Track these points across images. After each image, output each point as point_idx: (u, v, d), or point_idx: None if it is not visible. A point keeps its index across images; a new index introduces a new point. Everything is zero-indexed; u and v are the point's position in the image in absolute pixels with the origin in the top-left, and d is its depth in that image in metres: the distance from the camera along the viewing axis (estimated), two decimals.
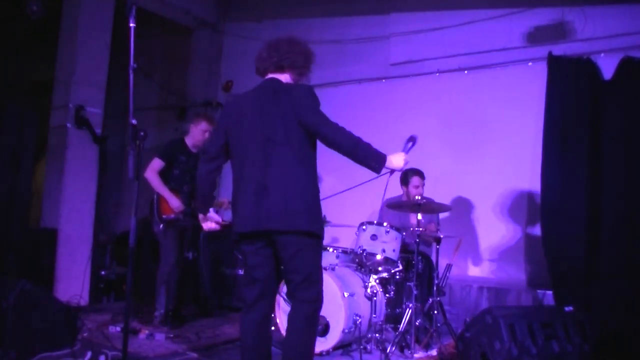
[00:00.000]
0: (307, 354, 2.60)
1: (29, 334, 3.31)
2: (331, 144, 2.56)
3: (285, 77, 2.77)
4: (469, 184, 5.33)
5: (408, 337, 3.88)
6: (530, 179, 4.97)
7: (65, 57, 5.40)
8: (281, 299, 3.86)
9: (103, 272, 5.58)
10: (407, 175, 4.62)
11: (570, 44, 4.91)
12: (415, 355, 3.81)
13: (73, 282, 5.00)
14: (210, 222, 2.95)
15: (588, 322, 3.53)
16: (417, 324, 3.93)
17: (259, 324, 2.68)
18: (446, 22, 5.55)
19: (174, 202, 4.43)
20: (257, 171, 2.61)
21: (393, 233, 3.99)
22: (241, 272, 5.31)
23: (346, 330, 3.67)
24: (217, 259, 5.49)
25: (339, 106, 5.97)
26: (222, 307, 5.31)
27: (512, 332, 3.19)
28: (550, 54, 4.81)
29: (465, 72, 5.45)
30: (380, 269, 4.09)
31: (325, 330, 3.70)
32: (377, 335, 3.83)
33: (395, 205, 4.34)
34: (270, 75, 2.79)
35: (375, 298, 3.85)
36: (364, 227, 4.05)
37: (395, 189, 4.91)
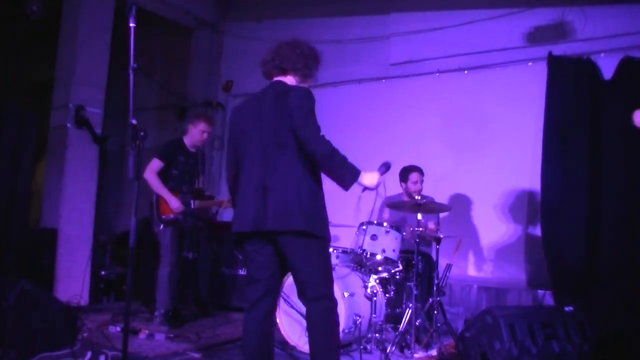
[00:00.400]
0: (331, 351, 2.59)
1: (29, 334, 3.31)
2: (306, 149, 2.53)
3: (289, 80, 2.78)
4: (469, 183, 5.33)
5: (408, 337, 3.88)
6: (530, 179, 4.97)
7: (65, 57, 5.40)
8: (281, 299, 3.86)
9: (103, 272, 5.58)
10: (406, 171, 4.63)
11: (570, 44, 4.91)
12: (415, 355, 3.81)
13: (73, 282, 5.00)
14: None
15: (588, 322, 3.52)
16: (417, 324, 3.93)
17: (260, 322, 2.67)
18: (446, 22, 5.55)
19: (174, 203, 4.43)
20: (257, 173, 2.62)
21: (393, 233, 3.99)
22: (241, 272, 5.32)
23: (346, 330, 3.67)
24: (217, 259, 5.49)
25: (339, 106, 5.98)
26: (222, 307, 5.31)
27: (512, 332, 3.18)
28: (550, 54, 4.81)
29: (465, 72, 5.45)
30: (380, 269, 4.09)
31: None
32: (377, 335, 3.83)
33: (396, 205, 4.34)
34: (275, 78, 2.80)
35: (375, 298, 3.85)
36: (364, 227, 4.05)
37: (395, 189, 4.91)
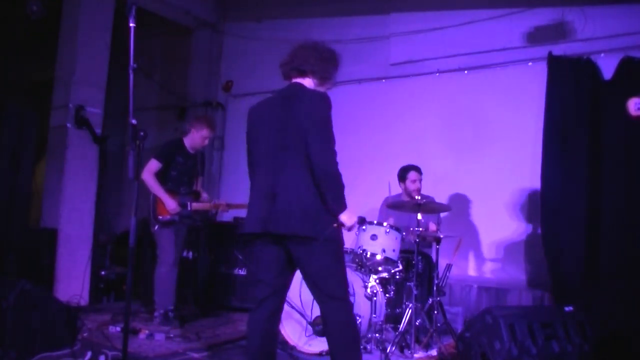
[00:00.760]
0: (350, 352, 2.59)
1: (29, 334, 3.31)
2: (312, 159, 2.52)
3: (308, 82, 2.77)
4: (469, 183, 5.33)
5: (408, 337, 3.88)
6: (530, 178, 4.97)
7: (65, 57, 5.40)
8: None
9: (103, 272, 5.58)
10: (404, 171, 4.64)
11: (570, 44, 4.91)
12: (415, 355, 3.81)
13: (73, 282, 4.99)
14: None
15: (588, 322, 3.53)
16: (417, 324, 3.92)
17: (265, 322, 2.67)
18: (446, 22, 5.55)
19: (170, 204, 4.42)
20: (268, 176, 2.62)
21: (393, 233, 3.99)
22: (241, 272, 5.32)
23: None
24: (216, 259, 5.49)
25: (339, 106, 5.94)
26: (222, 307, 5.31)
27: (512, 332, 3.19)
28: (550, 54, 4.81)
29: (465, 72, 5.45)
30: (380, 269, 4.09)
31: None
32: (377, 335, 3.83)
33: (396, 205, 4.34)
34: (294, 80, 2.79)
35: (375, 298, 3.85)
36: (364, 227, 4.05)
37: (394, 189, 4.92)
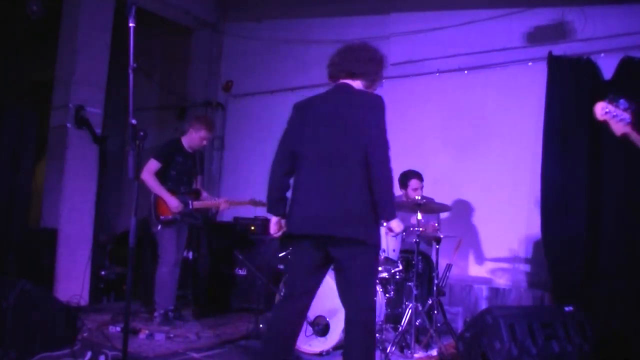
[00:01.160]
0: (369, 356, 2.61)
1: (29, 334, 3.31)
2: (372, 166, 2.56)
3: (357, 84, 2.77)
4: (469, 183, 5.33)
5: (408, 337, 3.88)
6: (530, 178, 4.97)
7: (65, 57, 5.40)
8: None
9: (103, 272, 5.58)
10: (405, 177, 4.62)
11: (570, 44, 4.91)
12: (415, 355, 3.81)
13: (73, 282, 4.99)
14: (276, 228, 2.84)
15: (588, 322, 3.53)
16: (417, 324, 3.92)
17: (294, 315, 2.70)
18: (446, 22, 5.55)
19: (173, 203, 4.42)
20: (321, 176, 2.61)
21: None
22: (241, 272, 5.32)
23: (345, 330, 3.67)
24: (217, 259, 5.49)
25: None
26: (222, 307, 5.31)
27: (512, 332, 3.19)
28: (550, 54, 4.81)
29: (465, 72, 5.45)
30: (380, 268, 4.09)
31: (325, 330, 3.70)
32: (377, 335, 3.82)
33: (395, 206, 4.33)
34: (342, 81, 2.78)
35: (375, 298, 3.85)
36: None
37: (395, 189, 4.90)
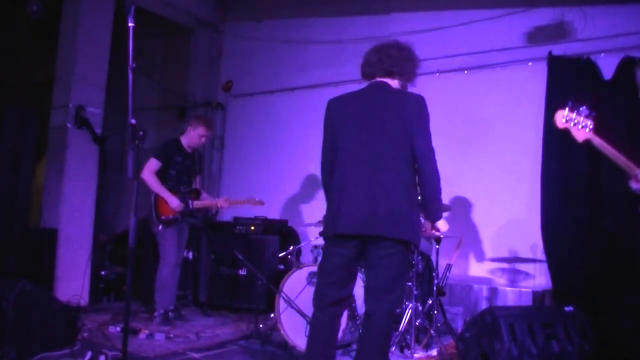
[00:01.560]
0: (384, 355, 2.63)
1: (29, 334, 3.31)
2: (420, 167, 2.62)
3: (394, 83, 2.77)
4: (469, 183, 5.32)
5: (408, 337, 3.88)
6: (530, 178, 4.97)
7: (65, 57, 5.40)
8: (282, 299, 3.85)
9: (103, 272, 5.58)
10: None
11: (570, 44, 4.91)
12: (415, 355, 3.81)
13: (73, 282, 4.99)
14: None
15: (588, 322, 3.53)
16: (417, 324, 3.92)
17: (331, 324, 2.70)
18: (446, 22, 5.55)
19: (174, 202, 4.42)
20: (363, 176, 2.60)
21: None
22: (241, 272, 5.31)
23: (346, 330, 3.67)
24: (217, 259, 5.49)
25: None
26: (222, 307, 5.31)
27: (512, 332, 3.19)
28: (550, 54, 4.81)
29: (465, 72, 5.45)
30: None
31: None
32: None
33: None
34: (377, 80, 2.77)
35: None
36: None
37: None
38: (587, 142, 2.60)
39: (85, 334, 3.96)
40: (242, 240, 5.43)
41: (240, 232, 5.58)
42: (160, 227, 4.44)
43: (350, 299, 2.81)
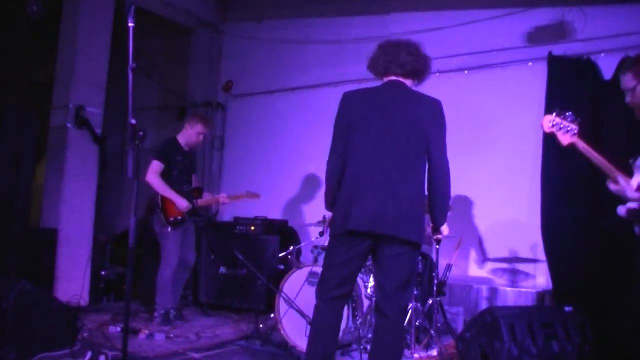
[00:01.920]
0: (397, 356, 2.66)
1: (28, 334, 3.31)
2: (433, 171, 2.62)
3: (408, 82, 2.78)
4: (469, 183, 5.32)
5: (408, 337, 3.87)
6: (530, 178, 4.97)
7: (65, 57, 5.40)
8: (281, 299, 3.85)
9: (103, 272, 5.58)
10: None
11: (570, 44, 4.91)
12: (415, 355, 3.81)
13: (73, 282, 4.99)
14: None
15: (588, 322, 3.53)
16: (417, 324, 3.92)
17: (335, 320, 2.72)
18: (446, 22, 5.55)
19: (182, 203, 4.41)
20: (379, 175, 2.58)
21: None
22: (242, 272, 5.31)
23: (346, 330, 3.67)
24: (217, 259, 5.49)
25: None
26: (222, 307, 5.31)
27: (512, 332, 3.19)
28: (550, 54, 4.81)
29: (465, 72, 5.45)
30: None
31: None
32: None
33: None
34: (392, 78, 2.76)
35: (375, 298, 3.85)
36: None
37: None
38: (572, 146, 2.72)
39: (85, 334, 3.96)
40: (242, 240, 5.42)
41: (240, 232, 5.58)
42: (169, 228, 4.43)
43: (352, 291, 2.83)
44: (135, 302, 5.23)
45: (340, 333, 3.64)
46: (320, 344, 2.67)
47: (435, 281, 4.09)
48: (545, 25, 5.09)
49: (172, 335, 4.10)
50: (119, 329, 4.11)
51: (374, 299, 2.79)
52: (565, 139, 2.72)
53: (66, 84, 5.31)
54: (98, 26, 5.49)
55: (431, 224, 3.90)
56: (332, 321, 2.72)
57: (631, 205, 2.72)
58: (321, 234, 4.42)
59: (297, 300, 3.76)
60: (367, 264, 4.00)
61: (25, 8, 5.20)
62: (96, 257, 5.46)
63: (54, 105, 5.41)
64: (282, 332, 3.84)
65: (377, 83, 2.86)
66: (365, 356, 3.68)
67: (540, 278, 4.90)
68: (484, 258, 5.29)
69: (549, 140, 4.69)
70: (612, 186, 2.76)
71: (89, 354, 3.38)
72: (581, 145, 2.75)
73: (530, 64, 5.12)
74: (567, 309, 3.56)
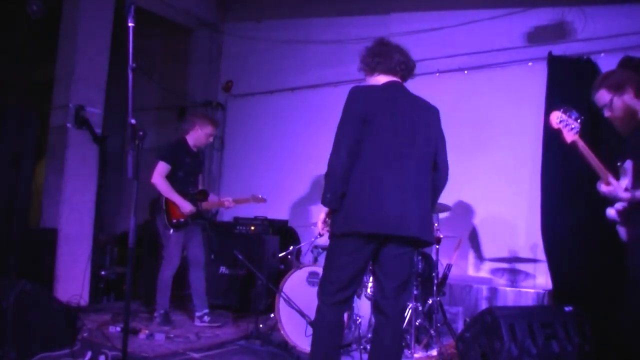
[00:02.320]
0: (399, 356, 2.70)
1: (28, 334, 3.31)
2: (438, 176, 2.78)
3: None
4: (469, 183, 5.32)
5: (408, 337, 3.87)
6: (530, 178, 4.97)
7: (65, 57, 5.40)
8: (281, 299, 3.85)
9: (103, 272, 5.58)
10: None
11: (570, 44, 4.91)
12: (415, 355, 3.81)
13: (73, 282, 4.99)
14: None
15: (588, 322, 3.53)
16: (417, 324, 3.92)
17: (340, 321, 2.72)
18: (446, 22, 5.55)
19: (186, 206, 4.40)
20: (394, 175, 2.56)
21: None
22: (242, 272, 5.31)
23: (346, 330, 3.67)
24: (217, 259, 5.49)
25: (339, 106, 5.97)
26: (222, 307, 5.31)
27: (512, 332, 3.19)
28: (550, 54, 4.81)
29: (465, 72, 5.45)
30: None
31: None
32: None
33: None
34: (393, 79, 2.78)
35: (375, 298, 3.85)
36: None
37: None
38: (573, 145, 2.81)
39: (85, 334, 3.95)
40: (242, 240, 5.42)
41: (240, 232, 5.58)
42: (172, 231, 4.42)
43: (356, 291, 2.85)
44: (135, 302, 5.23)
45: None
46: (323, 344, 2.66)
47: (435, 281, 4.09)
48: (545, 25, 5.09)
49: (172, 335, 4.10)
50: (119, 329, 4.11)
51: (374, 299, 2.78)
52: (569, 137, 2.79)
53: (66, 84, 5.31)
54: (98, 26, 5.49)
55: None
56: (335, 322, 2.71)
57: (620, 205, 2.87)
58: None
59: (297, 300, 3.76)
60: None
61: (25, 8, 5.20)
62: (96, 257, 5.46)
63: (54, 105, 5.41)
64: (282, 332, 3.84)
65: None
66: (365, 356, 3.68)
67: (540, 278, 4.90)
68: (484, 258, 5.29)
69: (549, 140, 4.70)
70: (603, 188, 2.86)
71: (89, 354, 3.38)
72: (581, 144, 2.80)
73: (530, 64, 5.13)
74: (567, 309, 3.56)
